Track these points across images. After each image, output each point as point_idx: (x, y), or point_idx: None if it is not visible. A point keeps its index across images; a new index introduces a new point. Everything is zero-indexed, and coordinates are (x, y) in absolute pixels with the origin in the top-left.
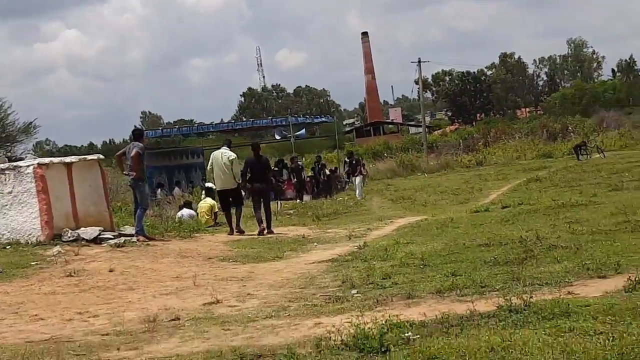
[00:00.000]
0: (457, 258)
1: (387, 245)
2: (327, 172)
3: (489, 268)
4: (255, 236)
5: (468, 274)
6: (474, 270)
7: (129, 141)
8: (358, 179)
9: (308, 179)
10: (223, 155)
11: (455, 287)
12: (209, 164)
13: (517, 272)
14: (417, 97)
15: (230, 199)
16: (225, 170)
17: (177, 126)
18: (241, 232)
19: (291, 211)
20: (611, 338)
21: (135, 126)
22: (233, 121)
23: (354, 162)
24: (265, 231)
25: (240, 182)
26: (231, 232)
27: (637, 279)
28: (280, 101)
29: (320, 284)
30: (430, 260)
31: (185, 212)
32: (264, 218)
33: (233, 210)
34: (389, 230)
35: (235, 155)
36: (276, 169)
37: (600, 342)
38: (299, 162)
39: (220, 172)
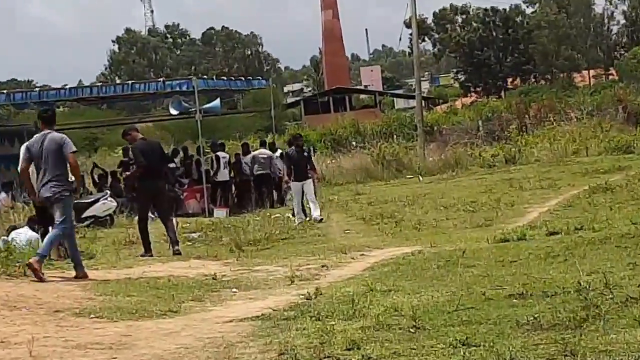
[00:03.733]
0: (471, 317)
1: (354, 293)
2: (258, 168)
3: (524, 334)
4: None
5: (489, 344)
6: (500, 338)
7: None
8: (308, 185)
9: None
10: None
11: None
12: (21, 159)
13: (571, 342)
14: (407, 50)
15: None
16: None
17: (4, 90)
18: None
19: (195, 235)
20: None
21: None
22: (99, 84)
23: (305, 152)
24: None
25: (77, 183)
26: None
27: None
28: (179, 53)
29: (241, 358)
30: (426, 320)
31: (23, 234)
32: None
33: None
34: (357, 270)
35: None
36: (170, 164)
37: None
38: (218, 154)
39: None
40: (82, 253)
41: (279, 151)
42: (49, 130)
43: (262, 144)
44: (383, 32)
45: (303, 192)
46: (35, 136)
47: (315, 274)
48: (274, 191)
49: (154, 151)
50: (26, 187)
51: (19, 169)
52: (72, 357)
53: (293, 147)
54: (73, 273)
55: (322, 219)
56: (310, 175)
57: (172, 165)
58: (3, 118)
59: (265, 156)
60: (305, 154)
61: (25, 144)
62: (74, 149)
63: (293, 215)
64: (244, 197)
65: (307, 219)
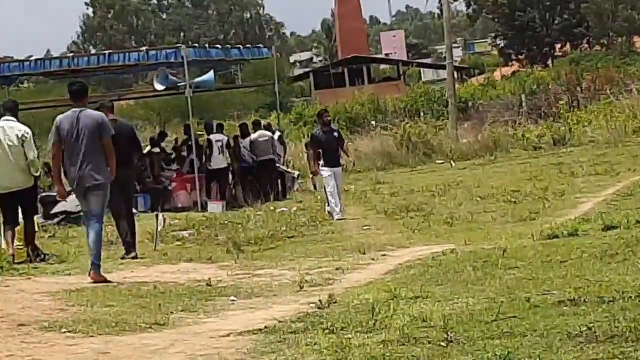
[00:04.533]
0: (513, 327)
1: (374, 301)
2: (260, 153)
3: (576, 348)
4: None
5: (535, 359)
6: (548, 352)
7: None
8: (340, 173)
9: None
10: (9, 131)
11: None
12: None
13: (632, 357)
14: (436, 11)
15: (20, 207)
16: (11, 157)
17: None
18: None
19: (185, 233)
20: None
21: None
22: (70, 55)
23: (334, 132)
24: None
25: (38, 173)
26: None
27: None
28: (164, 17)
29: None
30: (460, 332)
31: None
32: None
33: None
34: (379, 273)
35: (29, 130)
36: (155, 149)
37: None
38: (211, 136)
39: (7, 162)
40: (51, 256)
41: (277, 133)
42: (82, 107)
43: (257, 125)
44: None
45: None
46: (65, 113)
47: (329, 279)
48: (278, 180)
49: (122, 135)
50: (54, 176)
51: (49, 154)
52: None
53: (319, 127)
54: (40, 279)
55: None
56: (342, 161)
57: (156, 150)
58: None
59: (266, 138)
60: (335, 134)
61: (54, 124)
62: (112, 131)
63: (329, 211)
64: (244, 188)
65: (338, 213)
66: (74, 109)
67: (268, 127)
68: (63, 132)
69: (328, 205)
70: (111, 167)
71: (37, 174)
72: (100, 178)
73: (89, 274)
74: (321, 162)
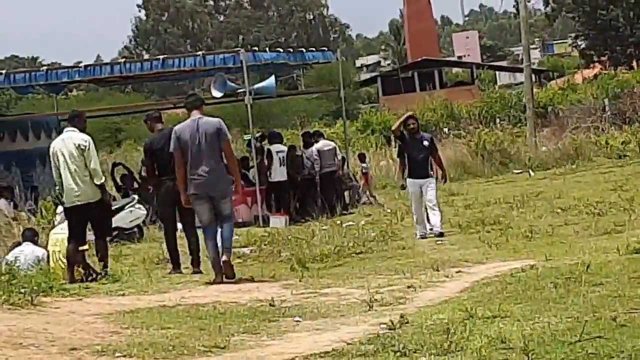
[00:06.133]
0: (599, 349)
1: (449, 321)
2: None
3: None
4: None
5: None
6: None
7: None
8: (429, 185)
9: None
10: (67, 142)
11: None
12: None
13: None
14: (513, 11)
15: (90, 222)
16: (74, 169)
17: (3, 71)
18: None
19: (246, 250)
20: None
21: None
22: (122, 61)
23: (424, 140)
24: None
25: (101, 182)
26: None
27: None
28: (222, 19)
29: None
30: (542, 354)
31: (27, 251)
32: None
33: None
34: (453, 291)
35: (90, 139)
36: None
37: None
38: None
39: (68, 174)
40: (103, 276)
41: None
42: (200, 115)
43: (319, 135)
44: None
45: (422, 194)
46: (184, 122)
47: (400, 297)
48: (344, 193)
49: (168, 145)
50: (178, 184)
51: (175, 165)
52: None
53: (406, 133)
54: (92, 300)
55: (442, 233)
56: (432, 172)
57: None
58: (1, 105)
59: (330, 148)
60: (426, 142)
61: (173, 133)
62: (230, 136)
63: (417, 226)
64: (307, 201)
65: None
66: (192, 118)
67: (315, 134)
68: (184, 140)
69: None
70: (233, 171)
71: (100, 182)
72: (227, 183)
73: (218, 275)
74: (406, 173)
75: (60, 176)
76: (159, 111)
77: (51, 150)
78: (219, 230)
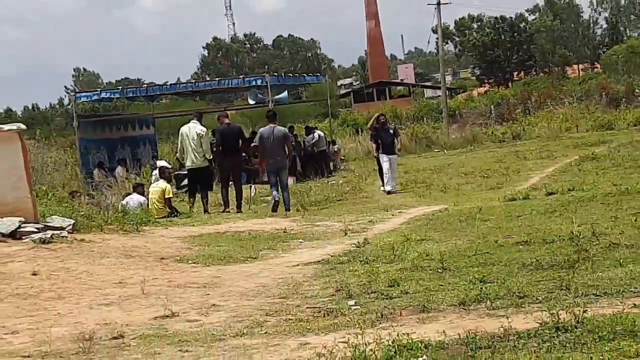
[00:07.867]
0: (486, 260)
1: (394, 242)
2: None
3: (528, 273)
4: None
5: (501, 281)
6: (509, 276)
7: (57, 107)
8: (394, 160)
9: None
10: (192, 129)
11: (484, 297)
12: (178, 142)
13: (566, 279)
14: (434, 51)
15: (199, 180)
16: (194, 146)
17: (119, 87)
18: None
19: (269, 198)
20: None
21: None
22: (193, 81)
23: (390, 130)
24: (233, 211)
25: (210, 157)
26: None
27: None
28: (255, 55)
29: (306, 293)
30: (451, 263)
31: (134, 198)
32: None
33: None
34: (397, 224)
35: (205, 129)
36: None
37: None
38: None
39: (190, 149)
40: (182, 214)
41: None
42: (274, 125)
43: (313, 128)
44: (415, 37)
45: (390, 164)
46: (264, 128)
47: (364, 228)
48: (330, 163)
49: (232, 134)
50: (259, 160)
51: (259, 149)
52: (175, 294)
53: (379, 126)
54: (174, 229)
55: (390, 192)
56: (396, 151)
57: (254, 144)
58: (119, 109)
59: (322, 136)
60: (391, 131)
61: (258, 134)
62: (292, 138)
63: (382, 184)
64: (307, 169)
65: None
66: (270, 125)
67: (308, 130)
68: (263, 139)
69: (382, 185)
70: (290, 158)
71: (210, 157)
72: (284, 164)
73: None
74: (380, 150)
75: (183, 151)
76: (225, 111)
77: (181, 132)
78: (282, 195)
